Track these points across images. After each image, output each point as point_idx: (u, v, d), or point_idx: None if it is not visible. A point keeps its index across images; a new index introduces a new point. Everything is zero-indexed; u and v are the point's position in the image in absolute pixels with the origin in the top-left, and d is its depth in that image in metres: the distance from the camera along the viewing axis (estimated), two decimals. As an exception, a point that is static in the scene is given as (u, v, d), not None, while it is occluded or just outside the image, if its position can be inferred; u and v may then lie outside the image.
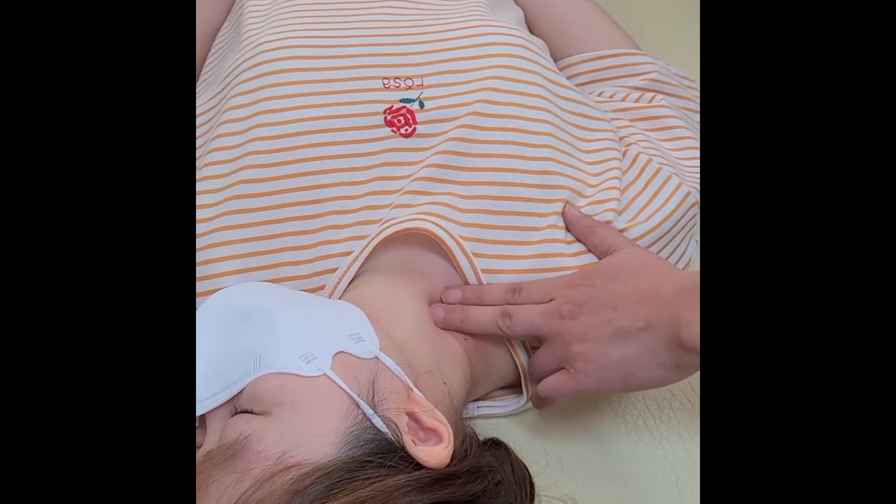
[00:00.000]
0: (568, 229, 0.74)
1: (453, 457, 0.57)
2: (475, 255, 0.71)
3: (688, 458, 0.73)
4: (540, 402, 0.71)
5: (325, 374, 0.58)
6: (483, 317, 0.70)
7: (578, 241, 0.74)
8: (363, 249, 0.69)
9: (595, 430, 0.75)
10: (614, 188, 0.75)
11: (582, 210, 0.74)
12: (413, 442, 0.57)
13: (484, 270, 0.71)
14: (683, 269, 0.80)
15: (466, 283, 0.71)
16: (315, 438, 0.55)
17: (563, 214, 0.74)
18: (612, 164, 0.77)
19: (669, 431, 0.75)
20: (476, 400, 0.75)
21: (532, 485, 0.65)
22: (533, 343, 0.72)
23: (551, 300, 0.69)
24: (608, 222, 0.74)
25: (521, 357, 0.72)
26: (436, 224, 0.70)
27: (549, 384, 0.69)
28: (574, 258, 0.73)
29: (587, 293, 0.68)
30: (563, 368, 0.68)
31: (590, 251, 0.73)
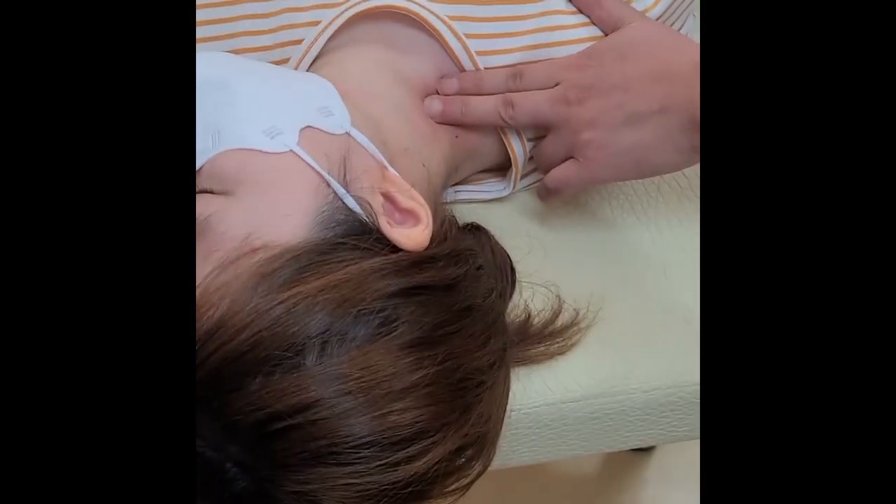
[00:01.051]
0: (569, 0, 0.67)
1: (432, 239, 0.54)
2: (467, 35, 0.64)
3: (675, 242, 0.70)
4: (547, 194, 0.67)
5: (291, 151, 0.53)
6: (484, 107, 0.65)
7: (582, 13, 0.67)
8: (334, 20, 0.63)
9: (580, 214, 0.72)
10: None
11: None
12: (389, 224, 0.53)
13: (479, 52, 0.65)
14: None
15: (461, 69, 0.65)
16: (282, 219, 0.52)
17: None
18: None
19: (657, 216, 0.72)
20: (456, 184, 0.71)
21: (513, 270, 0.64)
22: (532, 133, 0.67)
23: (556, 84, 0.64)
24: None
25: (516, 147, 0.67)
26: (418, 3, 0.63)
27: (558, 175, 0.65)
28: (578, 29, 0.66)
29: (595, 75, 0.63)
30: (571, 157, 0.64)
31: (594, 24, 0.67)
